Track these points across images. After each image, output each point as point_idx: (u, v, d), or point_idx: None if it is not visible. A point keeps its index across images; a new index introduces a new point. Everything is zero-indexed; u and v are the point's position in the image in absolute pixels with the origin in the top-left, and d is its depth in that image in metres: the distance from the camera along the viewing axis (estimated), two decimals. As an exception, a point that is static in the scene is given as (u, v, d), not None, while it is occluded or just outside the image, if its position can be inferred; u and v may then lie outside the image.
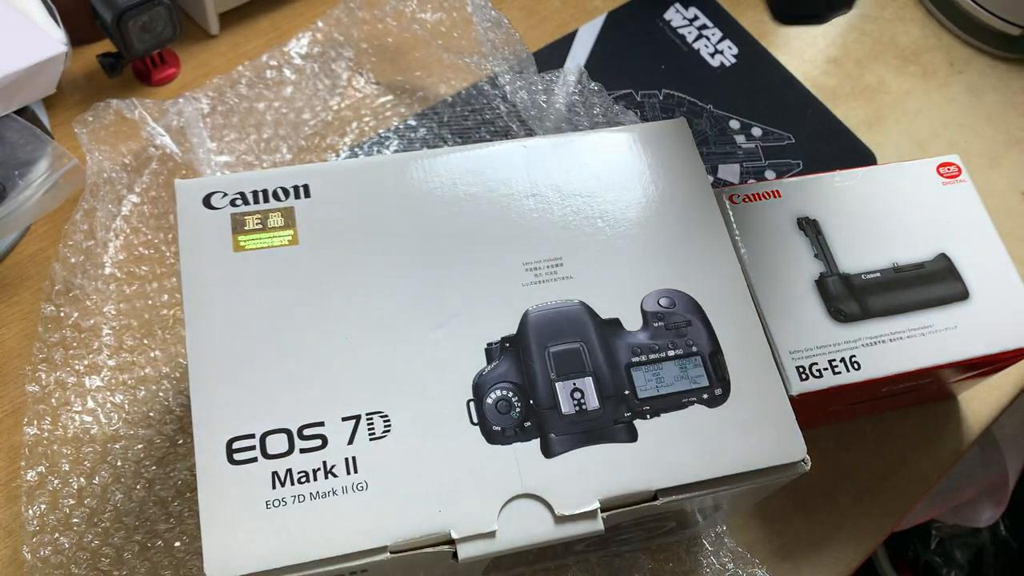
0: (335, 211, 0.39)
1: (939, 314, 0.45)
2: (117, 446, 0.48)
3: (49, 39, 0.51)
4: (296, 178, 0.40)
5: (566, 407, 0.36)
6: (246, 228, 0.38)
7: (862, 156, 0.64)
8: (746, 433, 0.37)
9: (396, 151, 0.60)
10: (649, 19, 0.69)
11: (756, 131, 0.64)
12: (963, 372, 0.48)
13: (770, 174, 0.62)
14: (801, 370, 0.43)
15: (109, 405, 0.49)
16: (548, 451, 0.35)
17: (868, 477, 0.53)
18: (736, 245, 0.45)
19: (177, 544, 0.46)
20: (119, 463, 0.48)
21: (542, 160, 0.42)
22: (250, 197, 0.39)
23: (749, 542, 0.50)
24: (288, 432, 0.34)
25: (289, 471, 0.34)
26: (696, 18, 0.69)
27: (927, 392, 0.51)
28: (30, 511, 0.46)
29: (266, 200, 0.39)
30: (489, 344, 0.37)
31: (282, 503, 0.33)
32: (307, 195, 0.39)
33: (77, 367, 0.50)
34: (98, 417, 0.49)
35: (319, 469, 0.34)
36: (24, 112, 0.52)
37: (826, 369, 0.43)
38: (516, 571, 0.46)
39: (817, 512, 0.52)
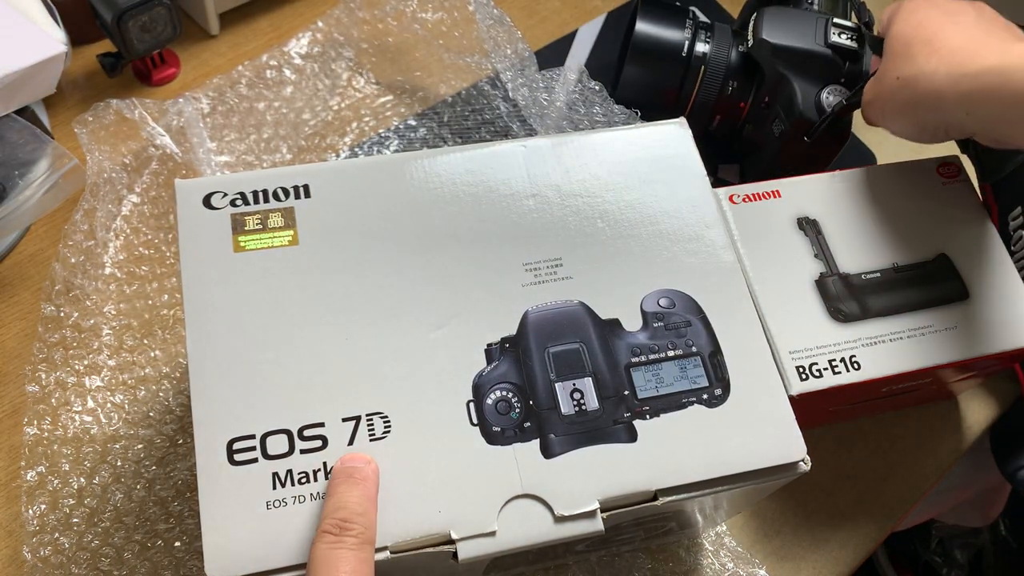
0: (335, 211, 0.39)
1: (939, 314, 0.45)
2: (117, 446, 0.48)
3: (49, 39, 0.51)
4: (296, 178, 0.40)
5: (566, 407, 0.36)
6: (246, 228, 0.38)
7: (862, 156, 0.64)
8: (746, 433, 0.37)
9: (396, 151, 0.60)
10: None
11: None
12: (963, 372, 0.48)
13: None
14: (801, 370, 0.43)
15: (109, 405, 0.49)
16: (548, 451, 0.35)
17: (868, 477, 0.53)
18: (736, 245, 0.45)
19: (177, 544, 0.46)
20: (119, 463, 0.48)
21: (542, 160, 0.42)
22: (250, 197, 0.39)
23: (749, 542, 0.50)
24: (288, 433, 0.34)
25: (289, 472, 0.34)
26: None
27: (927, 392, 0.51)
28: (30, 511, 0.46)
29: (266, 200, 0.39)
30: (489, 345, 0.37)
31: (283, 503, 0.33)
32: (307, 195, 0.39)
33: (77, 367, 0.50)
34: (98, 417, 0.49)
35: (319, 470, 0.34)
36: (24, 112, 0.52)
37: (826, 369, 0.43)
38: (516, 571, 0.46)
39: (817, 512, 0.52)
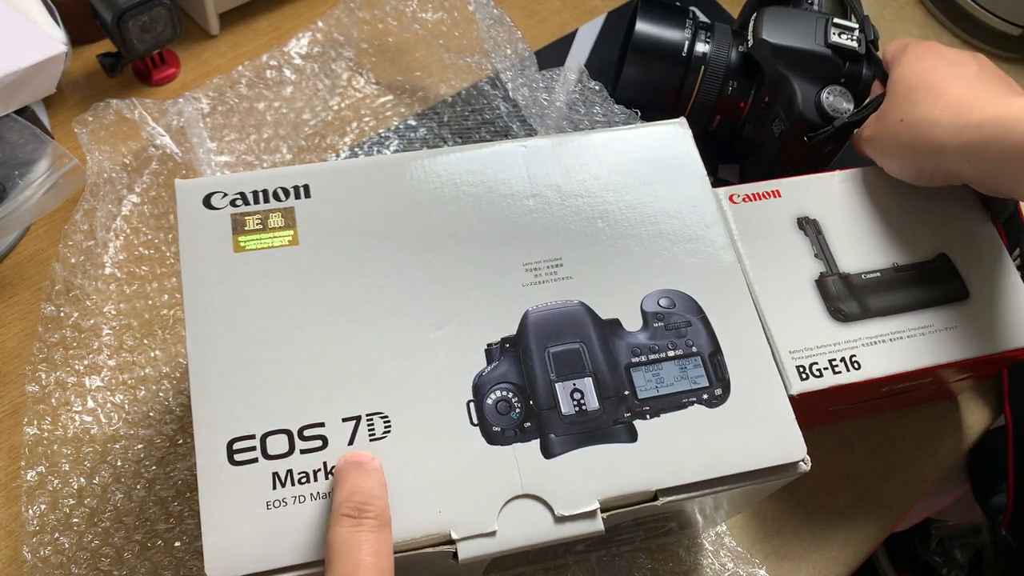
0: (335, 211, 0.39)
1: (939, 314, 0.45)
2: (117, 446, 0.48)
3: (49, 39, 0.51)
4: (296, 178, 0.40)
5: (566, 408, 0.36)
6: (246, 228, 0.38)
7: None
8: (746, 433, 0.37)
9: (396, 151, 0.60)
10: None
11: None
12: (963, 372, 0.48)
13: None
14: (801, 370, 0.43)
15: (109, 405, 0.49)
16: (548, 451, 0.35)
17: (868, 477, 0.53)
18: (736, 245, 0.45)
19: (177, 544, 0.46)
20: (119, 463, 0.48)
21: (542, 160, 0.42)
22: (250, 197, 0.39)
23: (749, 542, 0.50)
24: (288, 433, 0.34)
25: (290, 472, 0.34)
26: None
27: (927, 392, 0.51)
28: (30, 511, 0.46)
29: (266, 200, 0.39)
30: (489, 345, 0.37)
31: (283, 503, 0.33)
32: (307, 195, 0.39)
33: (77, 367, 0.50)
34: (98, 417, 0.49)
35: (319, 470, 0.34)
36: (24, 112, 0.52)
37: (826, 369, 0.43)
38: (516, 571, 0.46)
39: (817, 512, 0.52)
